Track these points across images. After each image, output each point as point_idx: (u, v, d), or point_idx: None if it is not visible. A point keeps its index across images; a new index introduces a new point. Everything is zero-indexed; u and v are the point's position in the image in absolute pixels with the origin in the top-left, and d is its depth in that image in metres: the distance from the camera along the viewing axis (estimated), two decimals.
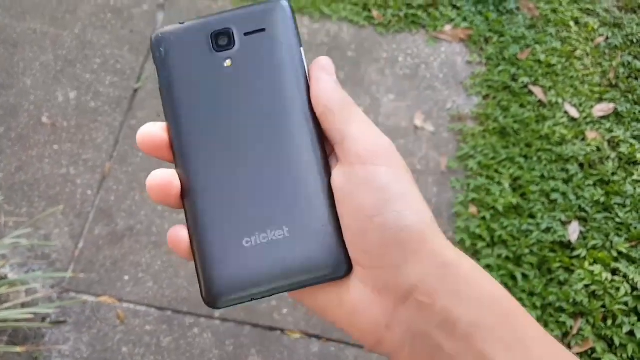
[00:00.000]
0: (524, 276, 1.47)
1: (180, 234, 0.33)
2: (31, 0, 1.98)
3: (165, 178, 0.32)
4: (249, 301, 0.32)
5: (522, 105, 1.74)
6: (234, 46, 0.34)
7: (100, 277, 1.49)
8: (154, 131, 0.33)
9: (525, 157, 1.65)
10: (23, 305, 1.30)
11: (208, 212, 0.32)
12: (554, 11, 1.95)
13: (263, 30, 0.34)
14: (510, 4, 1.96)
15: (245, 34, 0.34)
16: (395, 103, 1.78)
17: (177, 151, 0.33)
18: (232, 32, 0.34)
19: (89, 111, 1.74)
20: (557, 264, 1.47)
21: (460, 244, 1.53)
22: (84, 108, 1.74)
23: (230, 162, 0.32)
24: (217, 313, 1.46)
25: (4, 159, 1.65)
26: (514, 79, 1.80)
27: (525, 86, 1.78)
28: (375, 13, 1.95)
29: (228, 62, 0.33)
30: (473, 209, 1.57)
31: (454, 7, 1.97)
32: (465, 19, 1.93)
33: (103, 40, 1.89)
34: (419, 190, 0.31)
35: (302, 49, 0.34)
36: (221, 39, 0.34)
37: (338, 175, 0.32)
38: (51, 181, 1.62)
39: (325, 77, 0.33)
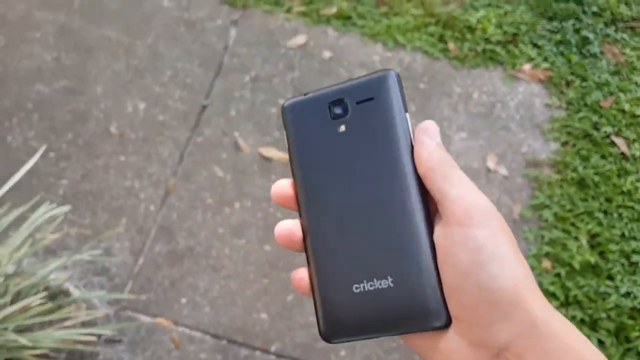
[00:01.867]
0: (600, 342, 1.37)
1: (303, 275, 0.38)
2: (108, 7, 1.97)
3: (289, 228, 0.38)
4: (356, 340, 0.36)
5: (603, 157, 1.65)
6: (347, 114, 0.38)
7: (157, 297, 1.45)
8: (285, 186, 0.39)
9: (605, 212, 1.56)
10: (83, 324, 1.27)
11: (324, 259, 0.37)
12: None
13: (372, 99, 0.37)
14: (594, 47, 1.86)
15: (357, 103, 0.37)
16: (467, 142, 1.71)
17: (301, 205, 0.38)
18: (346, 102, 0.38)
19: (156, 124, 1.71)
20: (637, 333, 1.37)
21: None
22: (151, 120, 1.72)
23: (345, 217, 0.36)
24: (272, 347, 1.40)
25: (70, 166, 1.63)
26: (596, 127, 1.71)
27: (608, 136, 1.69)
28: (451, 45, 1.88)
29: (343, 128, 0.38)
30: (547, 264, 1.48)
31: (535, 45, 1.89)
32: (546, 59, 1.85)
33: (174, 53, 1.86)
34: (517, 248, 0.32)
35: (407, 114, 0.37)
36: (337, 108, 0.38)
37: (439, 233, 0.34)
38: (115, 193, 1.60)
39: (427, 140, 0.36)
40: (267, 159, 1.65)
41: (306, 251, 0.38)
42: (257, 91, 1.77)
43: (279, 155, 1.65)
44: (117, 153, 1.66)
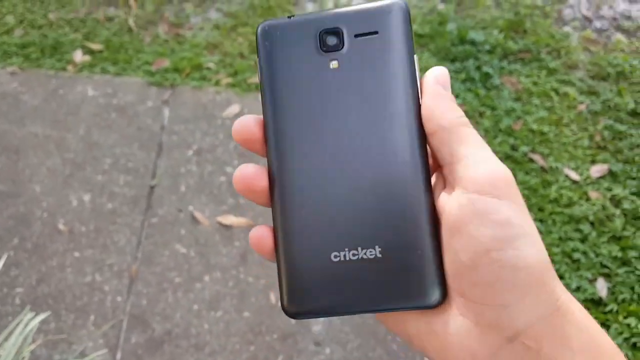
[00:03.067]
0: None
1: (265, 234, 0.31)
2: (29, 104, 1.93)
3: (252, 173, 0.31)
4: (328, 316, 0.30)
5: (526, 173, 1.84)
6: (342, 47, 0.31)
7: None
8: (250, 123, 0.32)
9: (541, 220, 1.72)
10: None
11: (297, 218, 0.30)
12: (535, 83, 2.11)
13: (376, 33, 0.31)
14: (495, 80, 2.10)
15: (356, 36, 0.31)
16: None
17: (271, 149, 0.31)
18: (342, 33, 0.31)
19: (106, 213, 1.68)
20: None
21: None
22: (100, 210, 1.68)
23: (327, 169, 0.30)
24: None
25: (22, 272, 1.55)
26: (514, 148, 1.90)
27: (526, 154, 1.88)
28: None
29: (334, 64, 0.31)
30: None
31: None
32: (457, 96, 2.04)
33: (110, 140, 1.85)
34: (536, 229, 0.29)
35: (415, 56, 0.32)
36: (330, 39, 0.31)
37: (449, 201, 0.29)
38: (77, 291, 1.53)
39: (440, 91, 0.31)
40: (227, 227, 1.66)
41: (273, 205, 0.31)
42: (203, 163, 1.80)
43: (239, 221, 1.67)
44: (71, 250, 1.60)
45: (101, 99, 1.96)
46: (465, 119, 0.31)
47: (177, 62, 2.08)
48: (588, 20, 2.40)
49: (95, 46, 2.16)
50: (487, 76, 2.11)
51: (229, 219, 1.67)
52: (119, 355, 1.44)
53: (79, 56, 2.11)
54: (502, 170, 0.29)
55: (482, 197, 0.28)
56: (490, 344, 0.28)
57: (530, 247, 0.28)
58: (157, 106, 1.95)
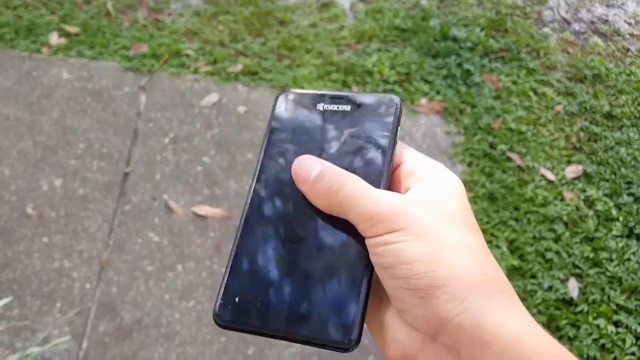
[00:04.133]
0: None
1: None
2: (1, 86, 1.86)
3: None
4: (249, 333, 0.32)
5: (504, 171, 1.83)
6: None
7: None
8: None
9: (516, 219, 1.72)
10: None
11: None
12: (514, 83, 2.11)
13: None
14: (476, 78, 2.09)
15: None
16: None
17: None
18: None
19: (78, 199, 1.62)
20: (564, 321, 1.52)
21: None
22: (71, 196, 1.63)
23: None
24: None
25: None
26: (492, 146, 1.90)
27: (504, 153, 1.88)
28: (354, 89, 2.00)
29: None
30: None
31: (426, 81, 2.07)
32: (438, 92, 2.03)
33: (85, 125, 1.79)
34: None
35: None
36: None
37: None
38: (44, 277, 1.48)
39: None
40: (202, 217, 1.63)
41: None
42: (179, 152, 1.76)
43: (214, 212, 1.63)
44: (39, 235, 1.55)
45: (76, 83, 1.90)
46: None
47: (156, 48, 2.02)
48: (567, 22, 2.40)
49: (72, 29, 2.10)
50: (468, 73, 2.10)
51: (204, 210, 1.64)
52: (85, 344, 1.39)
53: (54, 39, 2.04)
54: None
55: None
56: (416, 342, 0.30)
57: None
58: (133, 92, 1.90)
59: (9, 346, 1.35)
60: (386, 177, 0.34)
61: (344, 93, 0.37)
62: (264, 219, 0.34)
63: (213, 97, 1.89)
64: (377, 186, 0.33)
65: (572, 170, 1.86)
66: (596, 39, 2.34)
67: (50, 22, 2.12)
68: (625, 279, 1.59)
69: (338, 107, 0.36)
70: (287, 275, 0.32)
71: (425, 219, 0.30)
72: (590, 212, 1.75)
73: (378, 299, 0.33)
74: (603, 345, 1.48)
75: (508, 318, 0.28)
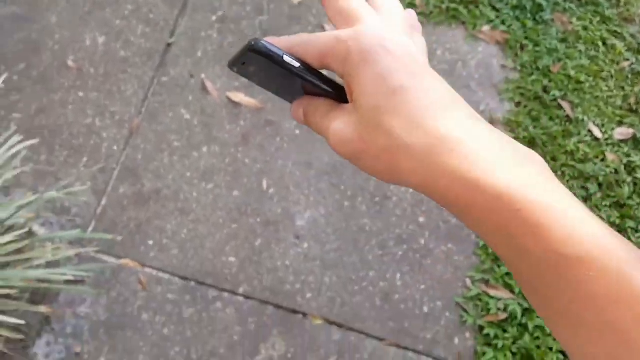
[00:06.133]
0: None
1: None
2: None
3: None
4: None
5: (551, 118, 1.70)
6: None
7: (122, 239, 1.37)
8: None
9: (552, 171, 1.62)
10: (47, 263, 1.18)
11: None
12: (585, 28, 1.91)
13: None
14: (547, 15, 1.89)
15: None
16: None
17: None
18: None
19: (118, 60, 1.57)
20: None
21: (483, 248, 1.50)
22: (113, 56, 1.57)
23: None
24: (241, 289, 1.37)
25: (23, 99, 1.47)
26: (546, 90, 1.75)
27: (555, 99, 1.74)
28: (417, 1, 1.84)
29: None
30: None
31: (494, 8, 1.89)
32: (503, 22, 1.86)
33: None
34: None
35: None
36: None
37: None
38: (74, 130, 1.46)
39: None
40: (236, 104, 1.57)
41: None
42: (224, 32, 1.66)
43: (248, 100, 1.57)
44: (76, 88, 1.52)
45: None
46: None
47: None
48: None
49: None
50: (539, 8, 1.90)
51: (239, 97, 1.57)
52: (104, 201, 1.40)
53: None
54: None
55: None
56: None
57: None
58: None
59: (32, 188, 1.37)
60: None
61: None
62: None
63: None
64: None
65: (621, 132, 1.72)
66: None
67: None
68: None
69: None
70: None
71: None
72: (629, 179, 1.64)
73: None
74: None
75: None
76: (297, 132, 1.57)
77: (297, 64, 0.29)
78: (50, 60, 1.53)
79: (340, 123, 0.28)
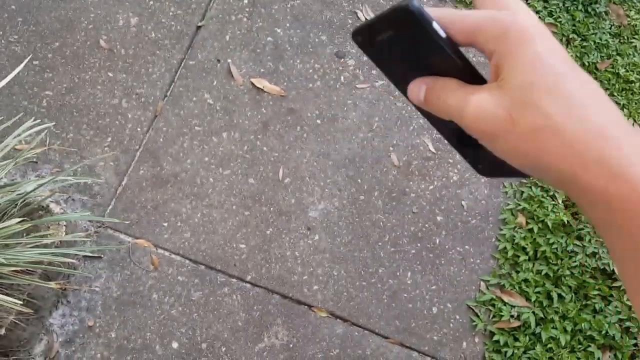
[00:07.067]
0: (560, 297, 1.37)
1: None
2: None
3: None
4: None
5: None
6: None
7: (139, 219, 1.40)
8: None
9: None
10: (62, 242, 1.22)
11: None
12: None
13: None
14: (601, 7, 1.74)
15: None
16: None
17: None
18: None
19: (148, 42, 1.58)
20: (595, 292, 1.37)
21: (502, 252, 1.43)
22: (144, 37, 1.59)
23: None
24: (248, 277, 1.37)
25: (55, 77, 1.51)
26: None
27: None
28: None
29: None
30: (521, 219, 1.46)
31: None
32: (551, 14, 1.72)
33: None
34: None
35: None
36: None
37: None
38: (102, 110, 1.49)
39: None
40: (259, 90, 1.55)
41: None
42: (254, 17, 1.64)
43: (271, 87, 1.55)
44: (106, 68, 1.54)
45: None
46: None
47: None
48: None
49: None
50: None
51: (263, 83, 1.55)
52: (124, 181, 1.43)
53: None
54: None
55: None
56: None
57: None
58: None
59: (58, 165, 1.41)
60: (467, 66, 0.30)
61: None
62: None
63: None
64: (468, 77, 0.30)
65: None
66: None
67: None
68: None
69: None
70: None
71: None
72: None
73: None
74: (627, 329, 1.34)
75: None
76: (318, 121, 1.54)
77: (444, 34, 0.28)
78: (83, 39, 1.56)
79: (481, 99, 0.28)
